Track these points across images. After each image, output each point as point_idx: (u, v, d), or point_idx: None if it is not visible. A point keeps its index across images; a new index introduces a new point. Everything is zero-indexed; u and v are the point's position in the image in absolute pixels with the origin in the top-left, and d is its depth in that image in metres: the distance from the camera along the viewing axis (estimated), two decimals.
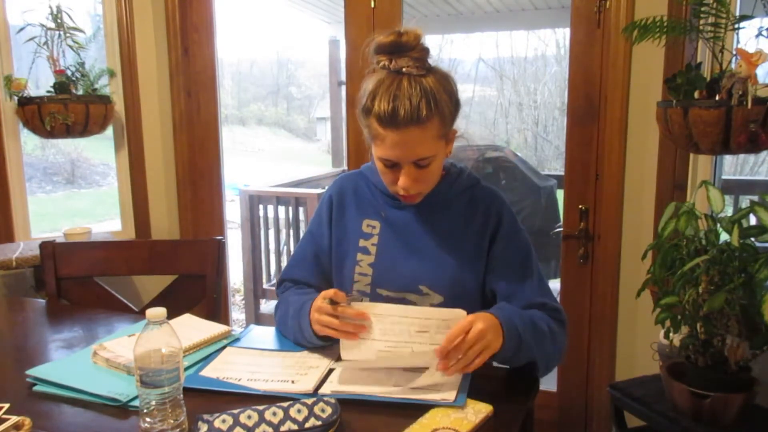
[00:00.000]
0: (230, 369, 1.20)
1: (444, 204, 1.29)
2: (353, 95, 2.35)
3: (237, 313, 4.47)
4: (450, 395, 1.07)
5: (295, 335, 1.28)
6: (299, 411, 0.98)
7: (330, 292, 1.15)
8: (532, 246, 1.29)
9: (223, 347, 1.31)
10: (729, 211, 3.14)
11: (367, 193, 1.35)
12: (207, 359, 1.25)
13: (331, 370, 1.18)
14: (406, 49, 1.14)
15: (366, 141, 1.22)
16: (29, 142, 8.16)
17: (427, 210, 1.29)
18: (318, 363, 1.20)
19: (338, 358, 1.18)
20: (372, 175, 1.33)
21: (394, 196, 1.28)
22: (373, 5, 2.28)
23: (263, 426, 0.95)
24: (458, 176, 1.31)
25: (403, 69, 1.13)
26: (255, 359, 1.25)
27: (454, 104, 1.19)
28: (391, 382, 1.12)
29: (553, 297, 1.27)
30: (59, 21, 2.34)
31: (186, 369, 1.20)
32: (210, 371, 1.20)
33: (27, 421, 0.93)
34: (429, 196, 1.28)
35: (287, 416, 0.97)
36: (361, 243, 1.31)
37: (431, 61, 1.18)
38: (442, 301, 1.25)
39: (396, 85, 1.12)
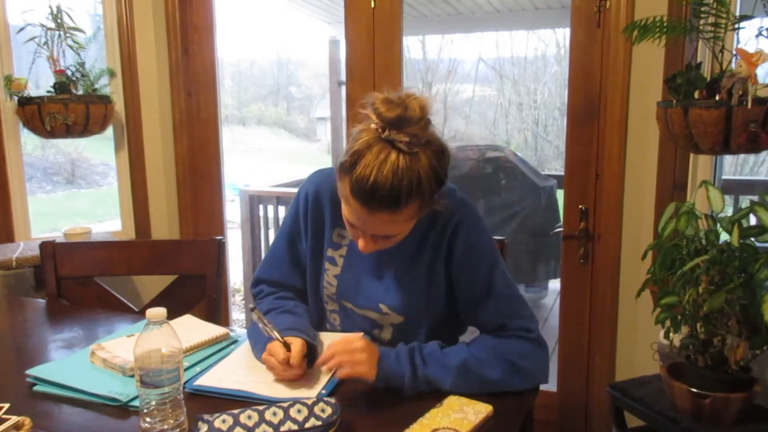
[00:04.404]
0: (230, 376, 1.18)
1: None
2: (353, 95, 2.35)
3: (237, 313, 4.47)
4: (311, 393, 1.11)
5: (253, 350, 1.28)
6: (299, 411, 0.98)
7: (280, 356, 1.12)
8: (497, 258, 1.22)
9: (223, 349, 1.31)
10: (729, 211, 3.13)
11: None
12: (206, 364, 1.25)
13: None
14: (408, 124, 1.03)
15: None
16: (29, 142, 8.15)
17: None
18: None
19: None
20: None
21: None
22: (373, 5, 2.28)
23: (263, 426, 0.95)
24: None
25: (396, 143, 1.02)
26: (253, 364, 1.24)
27: (438, 184, 1.09)
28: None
29: (522, 313, 1.20)
30: (59, 21, 2.35)
31: (186, 370, 1.20)
32: (208, 380, 1.17)
33: (27, 421, 0.93)
34: None
35: (287, 416, 0.97)
36: (330, 253, 1.30)
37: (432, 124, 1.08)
38: (403, 320, 1.26)
39: (384, 156, 1.01)
